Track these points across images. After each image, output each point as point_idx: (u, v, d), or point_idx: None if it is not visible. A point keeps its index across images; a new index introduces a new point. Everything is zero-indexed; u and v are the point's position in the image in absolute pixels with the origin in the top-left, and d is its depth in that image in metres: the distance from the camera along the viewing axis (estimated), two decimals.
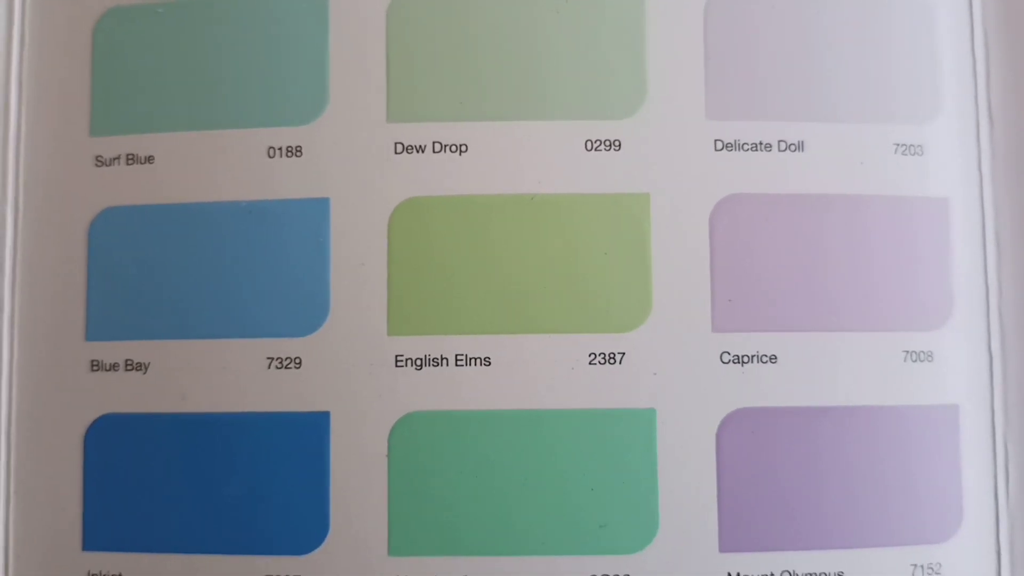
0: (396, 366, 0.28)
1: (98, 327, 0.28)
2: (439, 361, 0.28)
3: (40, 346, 0.29)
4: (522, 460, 0.27)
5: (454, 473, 0.27)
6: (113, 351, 0.28)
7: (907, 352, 0.28)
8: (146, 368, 0.28)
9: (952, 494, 0.28)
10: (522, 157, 0.28)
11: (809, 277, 0.28)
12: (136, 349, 0.28)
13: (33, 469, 0.28)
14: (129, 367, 0.28)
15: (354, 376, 0.28)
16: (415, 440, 0.27)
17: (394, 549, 0.27)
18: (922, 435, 0.28)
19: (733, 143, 0.28)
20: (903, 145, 0.29)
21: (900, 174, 0.29)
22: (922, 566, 0.28)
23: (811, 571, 0.27)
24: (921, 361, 0.28)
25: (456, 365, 0.28)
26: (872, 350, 0.28)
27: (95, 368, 0.28)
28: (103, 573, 0.28)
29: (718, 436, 0.27)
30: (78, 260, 0.29)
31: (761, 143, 0.28)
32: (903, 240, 0.28)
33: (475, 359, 0.28)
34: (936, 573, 0.28)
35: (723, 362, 0.28)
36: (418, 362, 0.28)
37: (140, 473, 0.28)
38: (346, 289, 0.28)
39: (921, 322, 0.28)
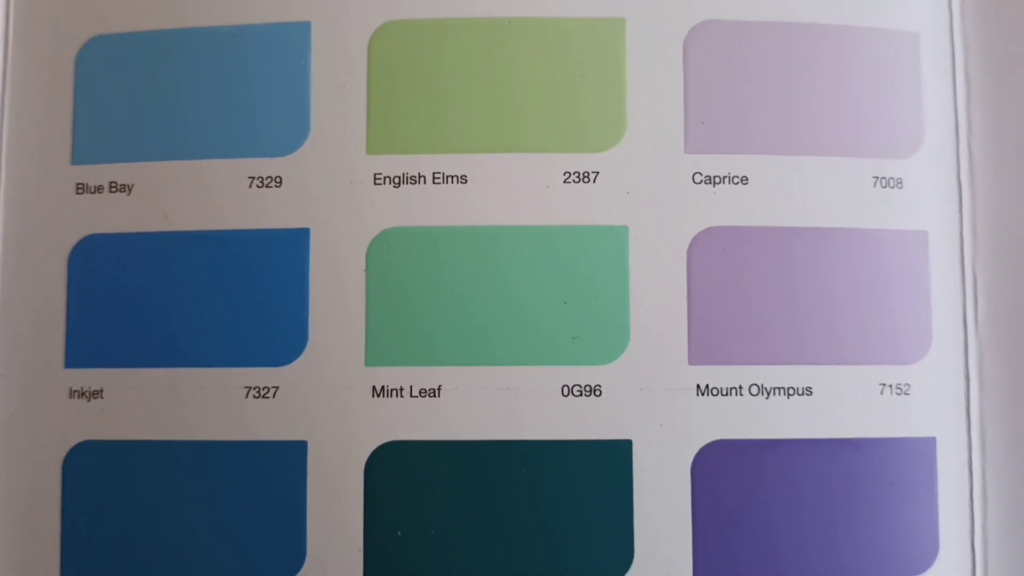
0: (375, 184, 0.28)
1: (84, 151, 0.29)
2: (417, 179, 0.28)
3: (27, 170, 0.29)
4: (497, 274, 0.28)
5: (430, 286, 0.28)
6: (98, 174, 0.29)
7: (876, 178, 0.29)
8: (130, 189, 0.29)
9: (921, 317, 0.28)
10: None
11: (781, 100, 0.29)
12: (120, 171, 0.29)
13: (18, 289, 0.29)
14: (113, 189, 0.29)
15: (333, 193, 0.28)
16: (392, 255, 0.28)
17: (371, 359, 0.28)
18: (891, 258, 0.28)
19: None
20: None
21: (871, 8, 0.29)
22: (890, 385, 0.28)
23: (779, 385, 0.28)
24: (891, 187, 0.29)
25: (433, 183, 0.28)
26: (842, 175, 0.28)
27: (80, 191, 0.29)
28: (84, 389, 0.28)
29: (689, 253, 0.28)
30: (65, 85, 0.29)
31: None
32: (875, 70, 0.29)
33: (452, 177, 0.28)
34: (905, 393, 0.28)
35: (695, 182, 0.28)
36: (396, 180, 0.28)
37: (123, 291, 0.28)
38: (326, 110, 0.28)
39: (891, 150, 0.29)
